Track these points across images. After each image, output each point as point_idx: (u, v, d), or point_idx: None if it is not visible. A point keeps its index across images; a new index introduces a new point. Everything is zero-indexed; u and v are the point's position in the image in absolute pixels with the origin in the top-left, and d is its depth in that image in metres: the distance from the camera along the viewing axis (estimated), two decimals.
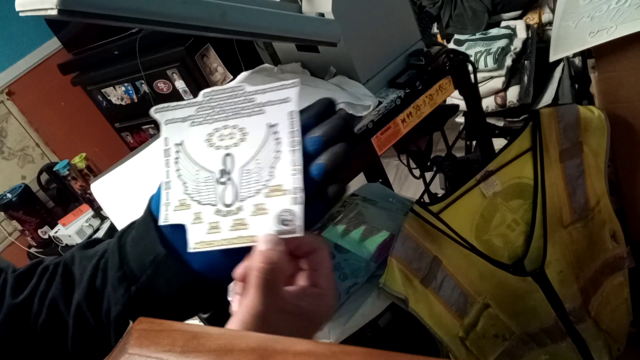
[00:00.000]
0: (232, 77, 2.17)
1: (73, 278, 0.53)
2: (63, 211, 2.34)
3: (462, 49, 1.48)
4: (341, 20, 0.75)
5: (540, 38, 1.50)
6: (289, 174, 0.47)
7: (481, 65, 1.39)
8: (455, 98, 1.05)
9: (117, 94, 2.43)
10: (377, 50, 0.82)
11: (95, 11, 0.55)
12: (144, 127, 2.52)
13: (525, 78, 1.42)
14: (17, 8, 0.61)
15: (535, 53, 1.45)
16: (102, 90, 2.45)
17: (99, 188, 0.87)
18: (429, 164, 1.14)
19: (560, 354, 1.01)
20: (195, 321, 0.85)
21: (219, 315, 0.70)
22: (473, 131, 1.00)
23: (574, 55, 1.41)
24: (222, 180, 0.50)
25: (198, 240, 0.49)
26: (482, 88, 1.43)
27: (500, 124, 1.50)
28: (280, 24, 0.70)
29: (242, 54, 2.16)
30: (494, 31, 1.48)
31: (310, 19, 0.74)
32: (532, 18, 1.52)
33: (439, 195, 0.93)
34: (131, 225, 0.55)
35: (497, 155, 0.93)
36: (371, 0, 0.79)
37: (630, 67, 0.94)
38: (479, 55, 1.41)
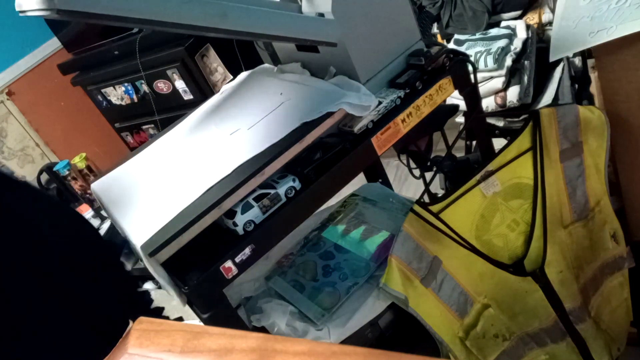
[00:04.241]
0: (232, 77, 2.17)
1: None
2: None
3: (462, 49, 1.48)
4: (341, 20, 0.75)
5: (540, 38, 1.50)
6: None
7: (481, 65, 1.39)
8: (456, 98, 1.05)
9: (117, 94, 2.43)
10: (377, 51, 0.82)
11: (95, 11, 0.55)
12: (144, 127, 2.52)
13: (525, 78, 1.42)
14: (17, 8, 0.61)
15: (535, 53, 1.45)
16: (102, 90, 2.45)
17: (100, 188, 0.87)
18: (429, 164, 1.14)
19: (560, 354, 1.01)
20: (195, 321, 0.86)
21: (220, 315, 0.70)
22: (473, 131, 1.00)
23: (574, 55, 1.41)
24: None
25: None
26: (482, 88, 1.43)
27: (500, 124, 1.50)
28: (280, 24, 0.70)
29: (242, 54, 2.16)
30: (494, 31, 1.48)
31: (310, 19, 0.74)
32: (532, 18, 1.51)
33: (439, 195, 0.93)
34: None
35: (497, 155, 0.93)
36: (371, 0, 0.79)
37: (630, 67, 0.94)
38: (479, 55, 1.40)
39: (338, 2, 0.75)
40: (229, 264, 0.68)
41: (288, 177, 0.73)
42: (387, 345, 0.89)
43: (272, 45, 1.05)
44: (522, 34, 1.45)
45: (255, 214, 0.69)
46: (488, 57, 1.40)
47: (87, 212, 2.22)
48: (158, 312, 1.88)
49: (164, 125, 2.09)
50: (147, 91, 2.30)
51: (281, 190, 0.71)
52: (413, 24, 0.86)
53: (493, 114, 1.48)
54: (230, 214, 0.69)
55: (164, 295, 2.10)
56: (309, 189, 0.73)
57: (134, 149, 1.00)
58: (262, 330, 0.89)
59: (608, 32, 0.90)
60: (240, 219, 0.68)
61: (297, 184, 0.73)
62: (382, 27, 0.81)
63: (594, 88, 1.04)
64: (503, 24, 1.52)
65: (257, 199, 0.70)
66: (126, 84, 2.35)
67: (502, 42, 1.42)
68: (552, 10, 1.46)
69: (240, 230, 0.69)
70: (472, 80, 0.90)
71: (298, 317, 0.88)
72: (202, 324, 0.73)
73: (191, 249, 0.68)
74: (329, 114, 0.74)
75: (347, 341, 0.84)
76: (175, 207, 0.68)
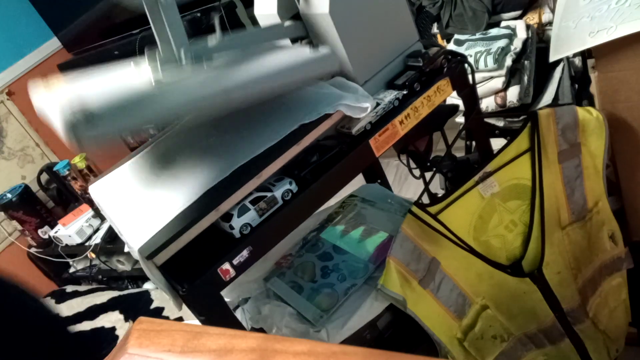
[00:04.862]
0: None
1: None
2: (63, 211, 2.34)
3: (462, 49, 1.47)
4: (338, 21, 0.75)
5: (540, 38, 1.49)
6: None
7: (481, 65, 1.39)
8: (456, 98, 1.05)
9: None
10: (375, 52, 0.82)
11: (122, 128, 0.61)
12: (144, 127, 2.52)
13: (525, 78, 1.41)
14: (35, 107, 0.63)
15: (535, 53, 1.44)
16: None
17: (97, 190, 0.87)
18: (428, 164, 1.14)
19: (558, 354, 1.01)
20: (195, 321, 0.86)
21: (217, 317, 0.70)
22: (472, 132, 1.00)
23: (574, 55, 1.41)
24: None
25: None
26: (482, 88, 1.43)
27: (500, 124, 1.50)
28: (283, 79, 0.70)
29: None
30: (494, 31, 1.48)
31: (310, 61, 0.73)
32: (532, 18, 1.51)
33: (439, 195, 0.93)
34: None
35: (495, 156, 0.93)
36: (369, 1, 0.79)
37: (630, 67, 0.94)
38: (479, 55, 1.40)
39: (335, 3, 0.74)
40: (226, 266, 0.68)
41: (285, 180, 0.73)
42: (385, 347, 0.89)
43: None
44: (522, 34, 1.44)
45: (251, 217, 0.69)
46: (488, 57, 1.40)
47: (87, 212, 2.22)
48: (158, 312, 1.88)
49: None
50: None
51: (278, 193, 0.71)
52: (411, 25, 0.86)
53: (493, 114, 1.48)
54: (227, 217, 0.69)
55: (164, 295, 2.10)
56: (306, 192, 0.73)
57: (134, 149, 1.00)
58: (260, 332, 0.89)
59: (608, 32, 0.90)
60: (237, 222, 0.68)
61: (293, 187, 0.73)
62: (379, 28, 0.81)
63: (594, 88, 1.04)
64: (503, 24, 1.51)
65: (253, 202, 0.70)
66: None
67: (502, 42, 1.42)
68: (552, 10, 1.46)
69: (236, 233, 0.69)
70: (470, 81, 0.90)
71: (296, 318, 0.88)
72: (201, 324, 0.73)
73: (188, 251, 0.68)
74: (326, 116, 0.74)
75: (345, 342, 0.84)
76: (172, 210, 0.68)
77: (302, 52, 0.74)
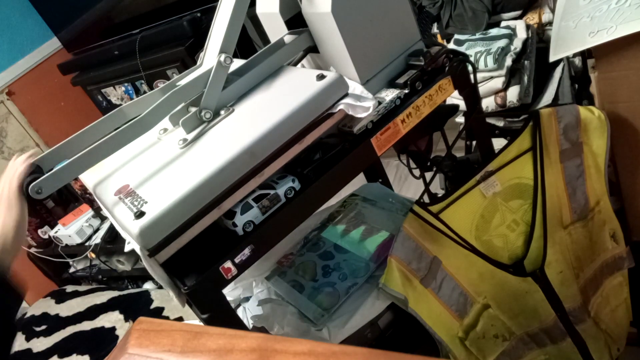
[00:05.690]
0: None
1: None
2: (63, 211, 2.34)
3: (462, 49, 1.47)
4: (341, 20, 0.75)
5: (540, 38, 1.50)
6: None
7: (481, 65, 1.39)
8: (456, 98, 1.05)
9: (117, 94, 2.43)
10: (377, 51, 0.82)
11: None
12: None
13: (525, 78, 1.42)
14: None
15: (535, 53, 1.45)
16: (102, 90, 2.44)
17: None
18: (429, 164, 1.14)
19: (560, 354, 1.01)
20: (195, 321, 0.85)
21: (219, 315, 0.70)
22: (473, 131, 1.00)
23: (574, 55, 1.41)
24: None
25: None
26: (482, 88, 1.43)
27: (500, 124, 1.50)
28: (298, 122, 0.71)
29: (242, 53, 2.16)
30: (494, 31, 1.48)
31: (317, 95, 0.73)
32: (532, 18, 1.51)
33: (439, 195, 0.93)
34: None
35: (497, 155, 0.93)
36: (370, 0, 0.79)
37: (630, 67, 0.94)
38: (479, 55, 1.40)
39: (337, 2, 0.75)
40: (228, 264, 0.68)
41: (287, 178, 0.73)
42: (386, 345, 0.89)
43: None
44: (522, 34, 1.45)
45: (254, 214, 0.69)
46: (488, 57, 1.40)
47: (87, 212, 2.22)
48: (158, 312, 1.87)
49: None
50: (147, 91, 2.30)
51: (280, 190, 0.71)
52: (413, 24, 0.86)
53: (493, 114, 1.48)
54: (230, 214, 0.69)
55: (164, 295, 2.10)
56: (309, 190, 0.73)
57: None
58: (262, 330, 0.89)
59: (608, 32, 0.90)
60: (240, 220, 0.68)
61: (296, 185, 0.73)
62: (382, 27, 0.81)
63: (594, 88, 1.04)
64: (503, 24, 1.52)
65: (256, 200, 0.70)
66: (126, 84, 2.35)
67: (502, 42, 1.42)
68: (552, 10, 1.46)
69: (239, 230, 0.69)
70: (472, 81, 0.90)
71: (298, 317, 0.88)
72: (202, 324, 0.73)
73: (191, 249, 0.68)
74: (329, 115, 0.74)
75: (346, 341, 0.84)
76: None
77: (311, 85, 0.74)
